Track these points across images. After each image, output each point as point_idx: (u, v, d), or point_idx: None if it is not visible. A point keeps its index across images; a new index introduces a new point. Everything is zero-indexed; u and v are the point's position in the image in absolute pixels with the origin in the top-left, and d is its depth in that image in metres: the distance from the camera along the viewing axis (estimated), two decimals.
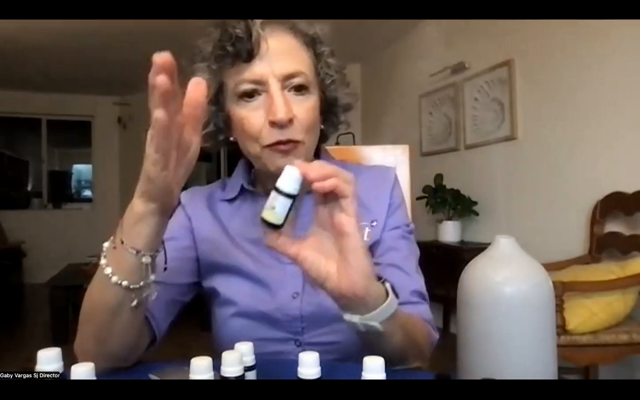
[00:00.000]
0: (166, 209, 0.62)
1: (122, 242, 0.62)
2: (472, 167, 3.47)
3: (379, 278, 0.63)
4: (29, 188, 7.32)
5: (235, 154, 0.91)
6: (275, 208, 0.56)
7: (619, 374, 2.28)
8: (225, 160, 6.37)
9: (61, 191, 7.37)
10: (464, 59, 3.50)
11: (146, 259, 0.62)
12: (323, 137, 0.88)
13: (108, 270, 0.63)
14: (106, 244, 0.65)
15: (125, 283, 0.63)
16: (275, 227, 0.57)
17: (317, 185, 0.56)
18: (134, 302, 0.64)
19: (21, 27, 3.93)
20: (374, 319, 0.60)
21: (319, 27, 0.81)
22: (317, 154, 0.89)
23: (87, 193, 7.50)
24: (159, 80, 0.51)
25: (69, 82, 5.88)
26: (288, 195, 0.56)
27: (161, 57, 0.52)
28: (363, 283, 0.58)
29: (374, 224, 0.85)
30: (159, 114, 0.52)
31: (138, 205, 0.61)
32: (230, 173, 0.95)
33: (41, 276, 4.51)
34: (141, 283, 0.63)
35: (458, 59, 3.54)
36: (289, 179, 0.56)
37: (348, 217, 0.57)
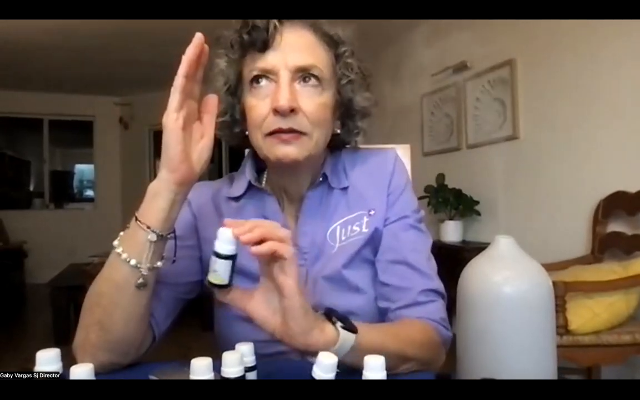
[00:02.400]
0: (183, 180, 0.67)
1: (136, 220, 0.67)
2: (474, 167, 3.46)
3: (330, 318, 0.64)
4: (31, 188, 7.34)
5: (237, 154, 0.91)
6: (217, 271, 0.60)
7: (622, 374, 2.28)
8: (227, 160, 6.37)
9: (63, 191, 7.39)
10: (466, 58, 3.50)
11: (151, 237, 0.66)
12: (341, 144, 0.88)
13: (119, 249, 0.67)
14: (122, 233, 0.69)
15: (133, 261, 0.66)
16: (223, 287, 0.61)
17: (253, 250, 0.58)
18: (140, 280, 0.67)
19: (22, 27, 3.94)
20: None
21: (341, 29, 0.82)
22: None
23: (89, 193, 7.52)
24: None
25: (71, 82, 5.89)
26: (226, 257, 0.59)
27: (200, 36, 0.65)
28: (301, 340, 0.60)
29: (372, 212, 0.84)
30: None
31: (157, 179, 0.67)
32: (231, 172, 0.94)
33: (42, 276, 4.52)
34: (148, 264, 0.67)
35: (460, 58, 3.53)
36: (223, 242, 0.59)
37: (287, 279, 0.59)
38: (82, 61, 5.01)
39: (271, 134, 0.76)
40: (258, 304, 0.63)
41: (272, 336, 0.63)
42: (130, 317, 0.70)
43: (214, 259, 0.60)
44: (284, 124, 0.75)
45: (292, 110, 0.74)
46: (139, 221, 0.67)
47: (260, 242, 0.58)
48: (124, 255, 0.66)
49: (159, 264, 0.69)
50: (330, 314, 0.65)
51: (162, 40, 4.24)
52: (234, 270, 0.61)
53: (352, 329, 0.64)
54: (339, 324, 0.64)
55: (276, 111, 0.74)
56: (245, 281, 0.78)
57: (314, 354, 0.60)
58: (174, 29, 3.82)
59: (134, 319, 0.70)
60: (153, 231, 0.66)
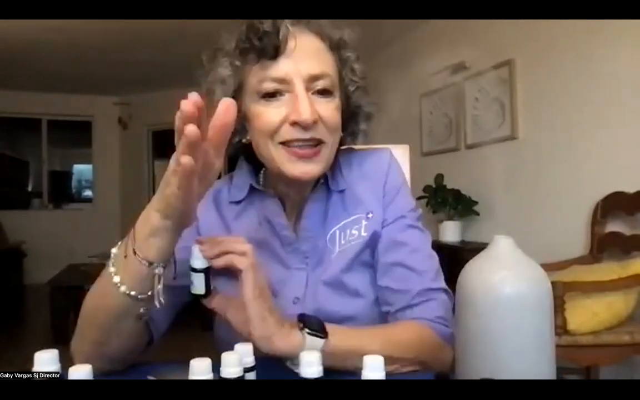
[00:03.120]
0: (183, 226, 0.62)
1: (135, 252, 0.61)
2: (472, 167, 3.46)
3: (301, 320, 0.66)
4: (30, 188, 7.32)
5: (236, 156, 0.90)
6: (194, 283, 0.67)
7: (620, 374, 2.28)
8: (226, 160, 6.36)
9: (62, 191, 7.37)
10: (465, 58, 3.50)
11: (159, 271, 0.62)
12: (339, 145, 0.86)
13: (116, 279, 0.62)
14: (114, 250, 0.64)
15: (133, 293, 0.62)
16: (203, 296, 0.68)
17: (213, 263, 0.65)
18: (141, 311, 0.65)
19: (21, 27, 3.94)
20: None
21: (347, 32, 0.80)
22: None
23: (88, 193, 7.50)
24: (189, 130, 0.49)
25: (69, 82, 5.89)
26: (199, 271, 0.66)
27: (189, 104, 0.49)
28: (262, 345, 0.63)
29: (370, 216, 0.83)
30: (185, 160, 0.51)
31: (154, 219, 0.60)
32: (230, 172, 0.94)
33: (41, 276, 4.51)
34: (149, 293, 0.63)
35: (459, 58, 3.53)
36: (194, 258, 0.66)
37: (243, 289, 0.64)
38: (80, 61, 5.01)
39: (286, 144, 0.74)
40: (235, 310, 0.67)
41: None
42: (128, 338, 0.69)
43: (190, 273, 0.66)
44: (304, 135, 0.73)
45: (314, 122, 0.72)
46: (139, 256, 0.61)
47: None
48: (123, 288, 0.62)
49: (159, 287, 0.65)
50: (303, 320, 0.67)
51: (162, 40, 4.24)
52: (209, 281, 0.67)
53: (320, 334, 0.65)
54: (305, 330, 0.65)
55: (296, 123, 0.72)
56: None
57: (286, 358, 0.65)
58: (173, 29, 3.83)
59: (132, 339, 0.70)
60: (157, 265, 0.62)
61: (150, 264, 0.61)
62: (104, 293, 0.65)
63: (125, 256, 0.62)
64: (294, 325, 0.66)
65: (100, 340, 0.68)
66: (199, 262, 0.66)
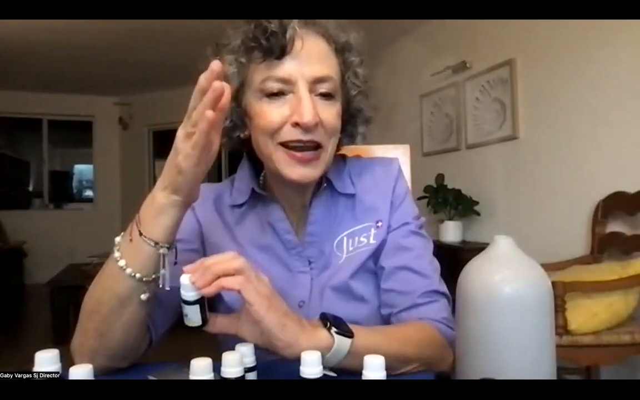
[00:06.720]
0: (189, 202, 0.65)
1: (140, 234, 0.64)
2: (473, 167, 3.46)
3: (326, 323, 0.65)
4: (30, 188, 7.33)
5: (237, 155, 0.90)
6: (188, 315, 0.64)
7: (621, 374, 2.28)
8: (227, 160, 6.37)
9: (62, 191, 7.38)
10: (466, 58, 3.50)
11: (164, 250, 0.65)
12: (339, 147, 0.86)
13: (122, 263, 0.65)
14: (118, 239, 0.67)
15: (138, 275, 0.65)
16: (201, 327, 0.65)
17: (204, 292, 0.61)
18: (145, 295, 0.66)
19: (21, 27, 3.94)
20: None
21: (352, 35, 0.80)
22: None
23: (89, 193, 7.51)
24: (218, 84, 0.57)
25: (70, 82, 5.89)
26: (193, 302, 0.62)
27: (218, 65, 0.57)
28: (290, 352, 0.62)
29: (380, 224, 0.84)
30: (210, 113, 0.57)
31: (161, 197, 0.64)
32: (230, 173, 0.93)
33: (42, 276, 4.51)
34: (153, 275, 0.66)
35: (459, 58, 3.53)
36: (185, 290, 0.62)
37: (250, 307, 0.61)
38: (81, 61, 5.01)
39: (285, 144, 0.74)
40: (246, 327, 0.65)
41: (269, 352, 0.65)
42: (131, 326, 0.69)
43: (183, 305, 0.63)
44: (304, 136, 0.73)
45: (315, 125, 0.73)
46: (145, 236, 0.64)
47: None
48: (129, 270, 0.65)
49: (162, 271, 0.67)
50: (325, 320, 0.65)
51: (162, 40, 4.24)
52: (205, 308, 0.64)
53: (347, 333, 0.64)
54: (333, 329, 0.64)
55: (297, 124, 0.72)
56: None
57: None
58: (174, 29, 3.82)
59: (134, 327, 0.70)
60: (162, 245, 0.65)
61: (156, 244, 0.64)
62: (108, 279, 0.67)
63: (131, 240, 0.65)
64: (316, 325, 0.65)
65: (102, 330, 0.68)
66: (191, 294, 0.62)
